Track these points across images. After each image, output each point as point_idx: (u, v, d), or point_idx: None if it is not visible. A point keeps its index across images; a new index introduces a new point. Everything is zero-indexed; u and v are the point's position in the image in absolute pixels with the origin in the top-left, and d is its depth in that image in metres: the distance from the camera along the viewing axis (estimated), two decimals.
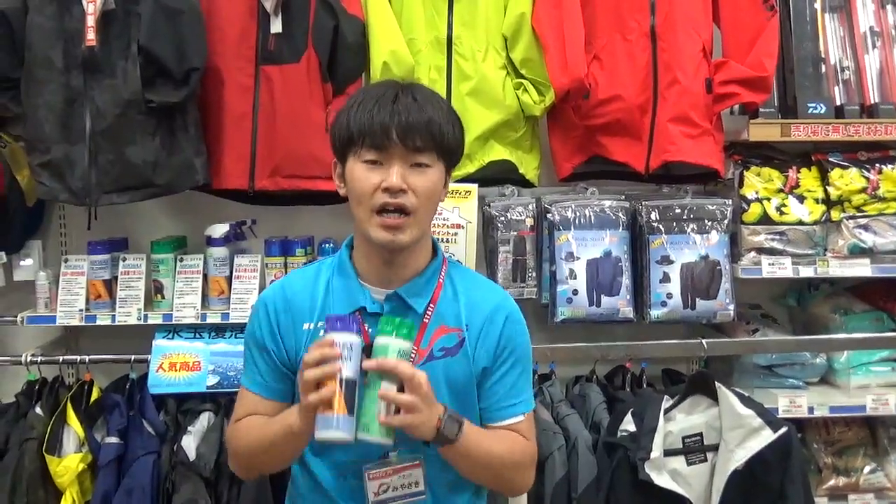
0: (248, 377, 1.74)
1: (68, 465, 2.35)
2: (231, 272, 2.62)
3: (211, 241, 2.63)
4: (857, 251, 2.56)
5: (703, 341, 2.01)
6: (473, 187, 2.52)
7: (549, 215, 2.59)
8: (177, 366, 2.56)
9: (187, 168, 2.47)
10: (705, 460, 2.11)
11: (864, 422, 2.75)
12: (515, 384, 1.69)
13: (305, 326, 1.68)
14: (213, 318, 2.59)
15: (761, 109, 2.64)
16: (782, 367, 2.69)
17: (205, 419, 2.48)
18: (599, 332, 2.69)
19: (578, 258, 2.54)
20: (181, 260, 2.63)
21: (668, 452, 2.08)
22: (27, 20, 2.38)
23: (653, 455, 1.99)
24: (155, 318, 2.58)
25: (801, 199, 2.62)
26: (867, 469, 2.65)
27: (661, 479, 2.00)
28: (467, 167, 2.60)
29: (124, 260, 2.62)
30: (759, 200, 2.61)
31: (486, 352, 1.68)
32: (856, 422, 2.73)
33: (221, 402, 2.53)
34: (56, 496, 2.36)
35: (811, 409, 2.56)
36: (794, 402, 2.56)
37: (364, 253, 1.68)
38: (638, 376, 2.66)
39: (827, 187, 2.62)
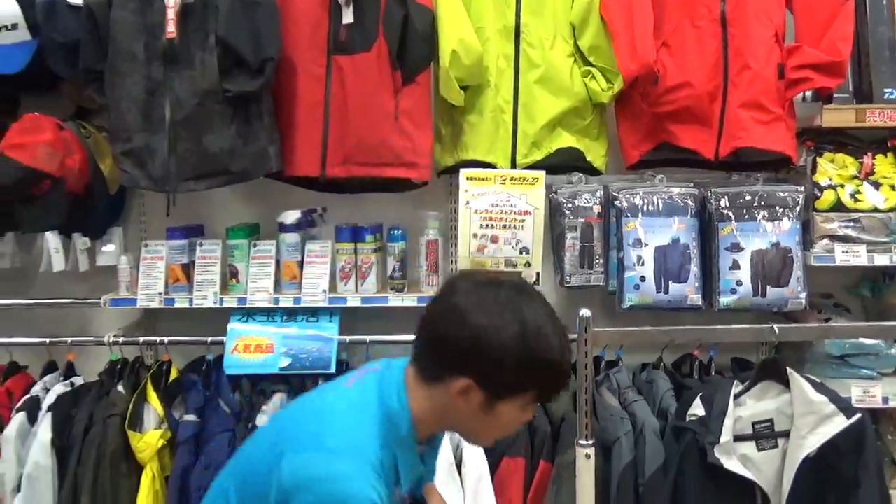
0: None
1: (149, 440, 2.45)
2: (302, 257, 2.69)
3: (283, 227, 2.70)
4: None
5: (775, 326, 1.99)
6: (541, 174, 2.54)
7: (616, 202, 2.59)
8: (251, 348, 2.64)
9: (262, 155, 2.54)
10: (776, 446, 2.09)
11: None
12: None
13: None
14: (286, 302, 2.66)
15: (835, 95, 2.60)
16: (855, 358, 2.63)
17: (277, 399, 2.55)
18: (667, 319, 2.67)
19: (646, 245, 2.53)
20: (255, 245, 2.71)
21: (738, 438, 2.07)
22: (111, 15, 2.47)
23: (722, 439, 1.99)
24: (230, 302, 2.66)
25: (877, 185, 2.57)
26: None
27: (731, 464, 1.99)
28: (535, 154, 2.62)
29: (201, 245, 2.71)
30: (832, 187, 2.57)
31: None
32: None
33: (293, 382, 2.61)
34: (137, 470, 2.46)
35: (885, 400, 2.52)
36: (867, 392, 2.51)
37: (430, 426, 1.60)
38: (706, 364, 2.65)
39: None
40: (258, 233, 2.85)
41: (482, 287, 1.54)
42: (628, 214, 2.55)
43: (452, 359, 1.51)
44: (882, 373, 2.67)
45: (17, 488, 2.45)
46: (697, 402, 2.12)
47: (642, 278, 2.52)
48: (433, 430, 1.63)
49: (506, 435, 1.63)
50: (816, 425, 2.02)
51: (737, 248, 2.52)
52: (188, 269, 2.71)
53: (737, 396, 2.09)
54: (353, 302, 2.67)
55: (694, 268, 2.54)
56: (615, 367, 2.63)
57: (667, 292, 2.52)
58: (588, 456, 2.02)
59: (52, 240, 2.74)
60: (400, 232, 2.70)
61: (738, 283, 2.50)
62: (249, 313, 2.71)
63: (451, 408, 1.53)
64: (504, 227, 2.54)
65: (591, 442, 2.03)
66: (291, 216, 2.71)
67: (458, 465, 2.46)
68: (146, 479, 2.43)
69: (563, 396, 2.50)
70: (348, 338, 2.67)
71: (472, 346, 1.48)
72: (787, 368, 2.08)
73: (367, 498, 1.42)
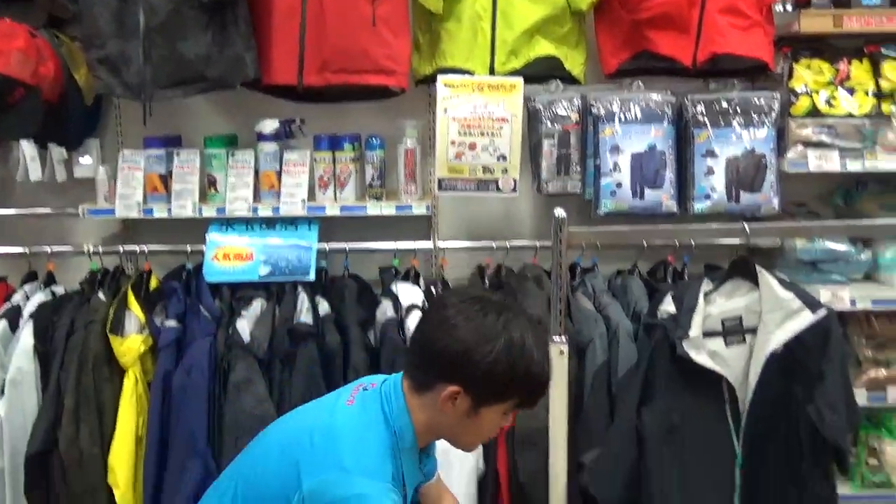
0: None
1: (131, 345, 2.48)
2: (281, 167, 2.69)
3: (261, 137, 2.70)
4: None
5: (746, 225, 2.02)
6: (518, 80, 2.54)
7: (593, 109, 2.60)
8: (230, 256, 2.66)
9: (238, 62, 2.52)
10: (744, 342, 2.14)
11: None
12: None
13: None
14: (265, 212, 2.67)
15: (813, 1, 2.59)
16: (826, 263, 2.69)
17: (257, 305, 2.58)
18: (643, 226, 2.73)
19: (623, 151, 2.55)
20: (233, 155, 2.71)
21: (708, 334, 2.12)
22: None
23: (691, 334, 2.04)
24: (209, 212, 2.68)
25: (852, 91, 2.59)
26: None
27: (700, 358, 2.04)
28: (513, 62, 2.61)
29: (178, 155, 2.70)
30: (808, 93, 2.58)
31: None
32: None
33: (273, 290, 2.64)
34: (120, 375, 2.49)
35: (853, 302, 2.57)
36: (836, 295, 2.57)
37: (428, 435, 1.74)
38: (680, 271, 2.70)
39: (878, 80, 2.58)
40: (236, 144, 2.85)
41: (471, 303, 1.66)
42: (605, 121, 2.56)
43: (443, 368, 1.64)
44: (852, 278, 2.74)
45: (1, 392, 2.49)
46: (668, 299, 2.16)
47: (618, 184, 2.54)
48: (430, 439, 1.78)
49: (488, 438, 1.79)
50: (783, 321, 2.07)
51: (712, 154, 2.54)
52: (166, 179, 2.70)
53: (707, 294, 2.14)
54: (332, 211, 2.68)
55: (669, 174, 2.56)
56: (591, 273, 2.68)
57: (642, 198, 2.55)
58: (561, 352, 2.07)
59: (27, 148, 2.72)
60: (378, 140, 2.71)
61: (713, 188, 2.54)
62: (228, 223, 2.73)
63: (440, 414, 1.67)
64: (482, 134, 2.55)
65: (564, 339, 2.07)
66: (269, 126, 2.70)
67: None
68: (129, 383, 2.47)
69: (538, 300, 2.56)
70: (327, 246, 2.69)
71: (462, 357, 1.61)
72: (757, 266, 2.12)
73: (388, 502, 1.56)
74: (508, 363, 1.61)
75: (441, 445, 2.27)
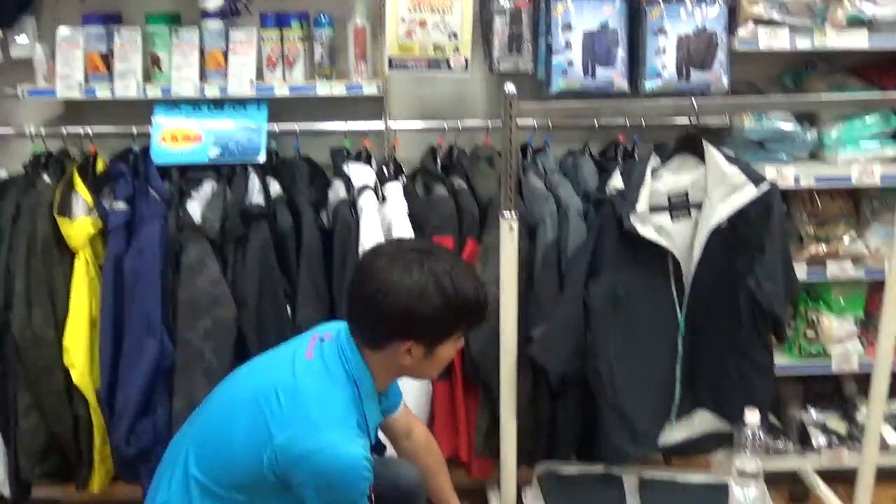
0: None
1: (80, 228, 2.45)
2: (227, 46, 2.62)
3: (205, 14, 2.62)
4: (857, 22, 2.54)
5: (694, 101, 2.03)
6: None
7: None
8: (178, 138, 2.62)
9: None
10: (689, 217, 2.19)
11: (848, 194, 2.82)
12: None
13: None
14: (212, 92, 2.62)
15: None
16: (773, 143, 2.73)
17: (208, 187, 2.56)
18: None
19: (574, 29, 2.52)
20: (176, 33, 2.62)
21: (654, 209, 2.16)
22: None
23: (638, 209, 2.07)
24: (154, 92, 2.61)
25: None
26: (847, 238, 2.74)
27: (645, 231, 2.09)
28: None
29: (119, 32, 2.61)
30: None
31: None
32: (840, 194, 2.80)
33: (224, 172, 2.61)
34: (70, 258, 2.47)
35: (797, 180, 2.62)
36: (781, 173, 2.61)
37: (387, 381, 1.91)
38: (630, 151, 2.73)
39: None
40: (179, 21, 2.75)
41: (392, 261, 1.75)
42: None
43: (390, 331, 1.77)
44: (797, 157, 2.79)
45: None
46: (617, 175, 2.19)
47: (570, 63, 2.53)
48: (387, 383, 1.93)
49: (447, 365, 1.92)
50: (727, 195, 2.12)
51: (663, 32, 2.52)
52: (107, 58, 2.62)
53: (654, 170, 2.17)
54: (281, 91, 2.64)
55: (621, 52, 2.55)
56: (542, 153, 2.69)
57: (594, 77, 2.53)
58: (511, 228, 2.10)
59: None
60: (327, 18, 2.64)
61: (664, 67, 2.53)
62: (175, 104, 2.67)
63: (399, 363, 1.82)
64: (432, 10, 2.50)
65: (514, 215, 2.10)
66: (213, 2, 2.61)
67: None
68: (80, 266, 2.46)
69: (490, 180, 2.57)
70: (277, 127, 2.66)
71: (404, 317, 1.73)
72: (703, 142, 2.14)
73: (358, 457, 1.68)
74: (447, 305, 1.73)
75: None
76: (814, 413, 2.99)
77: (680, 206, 2.18)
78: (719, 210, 2.12)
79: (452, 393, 2.62)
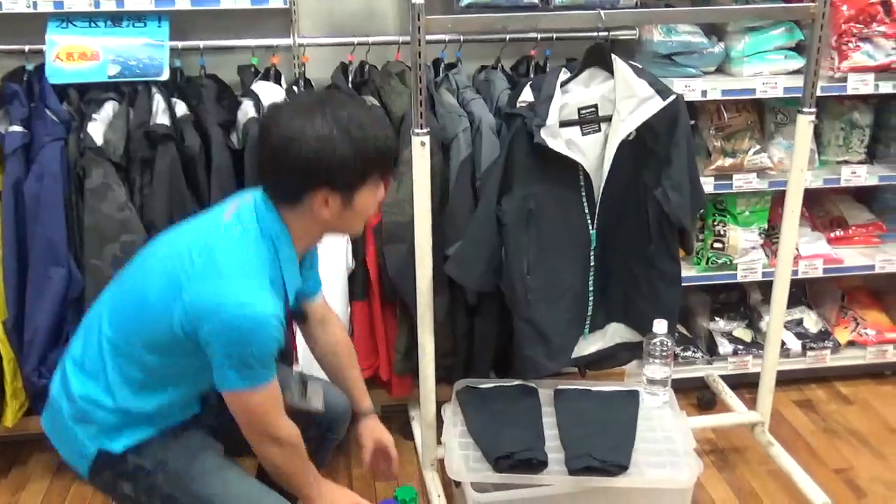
0: (272, 369, 1.73)
1: None
2: None
3: None
4: None
5: (601, 12, 2.02)
6: None
7: None
8: (74, 56, 2.50)
9: None
10: (599, 130, 2.21)
11: (753, 107, 2.88)
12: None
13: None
14: (108, 6, 2.50)
15: None
16: (681, 56, 2.76)
17: (109, 108, 2.46)
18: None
19: None
20: None
21: (564, 123, 2.16)
22: None
23: (548, 122, 2.08)
24: (45, 6, 2.48)
25: None
26: (752, 151, 2.81)
27: (556, 144, 2.10)
28: None
29: None
30: None
31: None
32: (745, 107, 2.86)
33: (126, 91, 2.51)
34: None
35: (704, 93, 2.67)
36: (688, 86, 2.65)
37: (306, 240, 1.83)
38: (542, 65, 2.72)
39: None
40: None
41: (295, 113, 1.69)
42: None
43: (301, 181, 1.70)
44: (706, 71, 2.83)
45: None
46: (527, 89, 2.19)
47: None
48: (309, 243, 1.86)
49: (372, 214, 1.87)
50: (635, 108, 2.14)
51: None
52: None
53: (564, 84, 2.17)
54: (183, 4, 2.53)
55: None
56: (454, 69, 2.66)
57: None
58: (423, 144, 2.08)
59: None
60: None
61: None
62: (69, 19, 2.54)
63: (319, 218, 1.74)
64: None
65: (425, 131, 2.08)
66: None
67: None
68: None
69: (402, 96, 2.54)
70: (180, 44, 2.56)
71: (314, 166, 1.67)
72: (612, 55, 2.15)
73: (266, 311, 1.65)
74: (354, 149, 1.67)
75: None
76: (721, 323, 3.11)
77: (590, 119, 2.19)
78: (627, 122, 2.14)
79: (371, 312, 2.63)
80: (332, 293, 2.55)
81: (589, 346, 2.47)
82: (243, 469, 1.88)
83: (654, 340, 2.30)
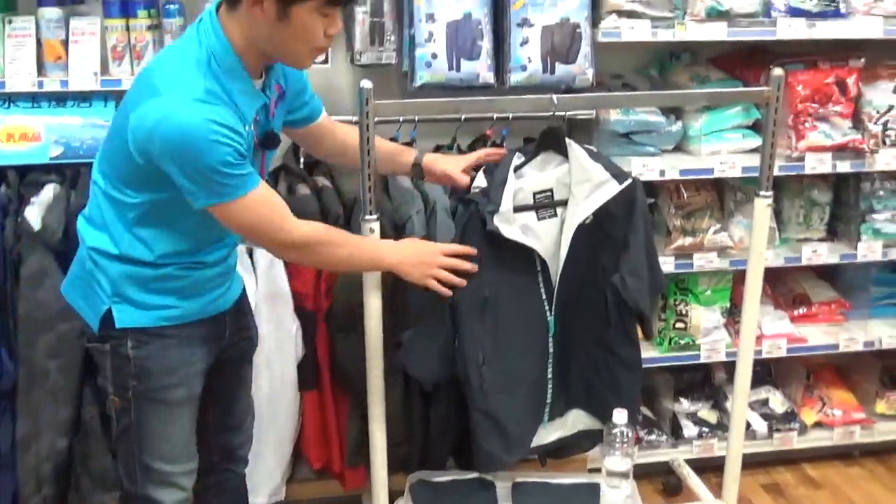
0: (247, 181, 1.71)
1: None
2: (67, 36, 2.43)
3: (42, 2, 2.42)
4: (715, 14, 2.56)
5: (554, 96, 1.99)
6: None
7: None
8: (15, 137, 2.41)
9: None
10: (555, 215, 2.15)
11: (712, 186, 2.85)
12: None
13: (246, 129, 1.74)
14: (52, 86, 2.42)
15: None
16: (639, 135, 2.73)
17: (49, 190, 2.37)
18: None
19: (437, 20, 2.45)
20: (10, 22, 2.42)
21: (520, 209, 2.10)
22: None
23: (502, 208, 2.01)
24: None
25: None
26: (712, 230, 2.77)
27: (509, 231, 2.03)
28: None
29: None
30: None
31: None
32: (705, 186, 2.83)
33: (67, 173, 2.43)
34: None
35: (662, 173, 2.64)
36: (646, 167, 2.62)
37: (252, 54, 1.73)
38: (499, 144, 2.68)
39: None
40: (14, 8, 2.54)
41: None
42: None
43: None
44: (664, 149, 2.80)
45: None
46: (480, 175, 2.13)
47: (434, 55, 2.45)
48: (256, 58, 1.74)
49: (316, 48, 1.74)
50: (591, 192, 2.08)
51: (527, 23, 2.48)
52: None
53: (519, 168, 2.11)
54: (129, 85, 2.44)
55: (486, 44, 2.49)
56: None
57: (458, 70, 2.47)
58: (372, 230, 2.01)
59: None
60: (177, 6, 2.48)
61: (529, 59, 2.49)
62: (10, 99, 2.46)
63: (254, 25, 1.66)
64: None
65: (375, 217, 2.01)
66: None
67: (250, 253, 2.43)
68: None
69: (354, 177, 2.47)
70: None
71: None
72: (566, 138, 2.10)
73: (198, 118, 1.60)
74: None
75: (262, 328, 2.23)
76: (685, 403, 3.03)
77: (546, 204, 2.13)
78: (583, 207, 2.09)
79: (322, 402, 2.53)
80: (281, 382, 2.46)
81: (549, 434, 2.37)
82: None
83: (614, 431, 2.20)
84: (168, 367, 1.85)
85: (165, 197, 1.73)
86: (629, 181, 2.09)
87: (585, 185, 2.10)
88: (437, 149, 2.69)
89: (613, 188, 2.08)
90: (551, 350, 2.24)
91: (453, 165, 2.13)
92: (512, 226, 2.06)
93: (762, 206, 2.25)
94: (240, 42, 1.69)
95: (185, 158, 1.62)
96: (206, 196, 1.68)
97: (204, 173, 1.64)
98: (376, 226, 2.03)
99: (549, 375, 2.27)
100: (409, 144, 2.63)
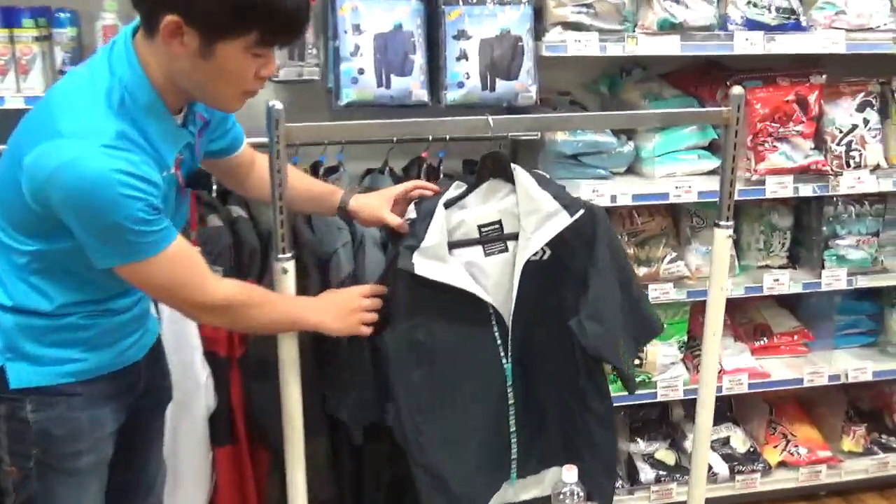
0: (161, 238, 1.47)
1: None
2: None
3: None
4: (668, 27, 2.36)
5: (490, 118, 1.74)
6: None
7: None
8: None
9: None
10: (506, 250, 1.90)
11: (667, 211, 2.65)
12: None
13: (165, 175, 1.51)
14: None
15: None
16: (588, 157, 2.52)
17: None
18: (393, 118, 2.45)
19: (364, 31, 2.21)
20: None
21: (462, 243, 1.86)
22: None
23: (425, 243, 1.76)
24: None
25: None
26: (667, 259, 2.57)
27: (429, 268, 1.76)
28: None
29: None
30: None
31: None
32: (659, 211, 2.63)
33: None
34: None
35: (614, 198, 2.42)
36: (597, 192, 2.41)
37: (173, 89, 1.49)
38: (436, 168, 2.45)
39: None
40: None
41: None
42: None
43: None
44: (615, 171, 2.60)
45: None
46: (412, 207, 1.88)
47: (361, 71, 2.21)
48: (176, 95, 1.51)
49: (244, 90, 1.51)
50: (540, 224, 1.84)
51: (464, 35, 2.25)
52: None
53: (460, 198, 1.87)
54: (14, 103, 2.19)
55: (419, 59, 2.26)
56: (335, 174, 2.36)
57: (389, 87, 2.24)
58: (285, 271, 1.74)
59: None
60: (68, 16, 2.20)
61: (466, 75, 2.26)
62: None
63: (173, 57, 1.43)
64: None
65: (288, 255, 1.74)
66: None
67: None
68: None
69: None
70: None
71: None
72: (511, 164, 1.86)
73: (105, 168, 1.36)
74: None
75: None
76: (641, 444, 2.82)
77: (493, 238, 1.88)
78: (533, 241, 1.84)
79: (238, 459, 2.25)
80: (190, 438, 2.18)
81: (520, 492, 2.09)
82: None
83: (564, 490, 1.95)
84: (75, 431, 1.60)
85: (66, 246, 1.49)
86: (580, 212, 1.84)
87: (534, 216, 1.85)
88: (368, 173, 2.45)
89: (563, 220, 1.83)
90: (512, 401, 1.97)
91: (383, 207, 1.88)
92: (445, 263, 1.81)
93: (722, 237, 2.01)
94: (158, 73, 1.46)
95: (88, 214, 1.39)
96: (112, 256, 1.45)
97: (110, 231, 1.41)
98: (291, 265, 1.75)
99: (513, 428, 2.00)
100: (335, 169, 2.39)
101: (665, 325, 2.63)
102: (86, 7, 2.25)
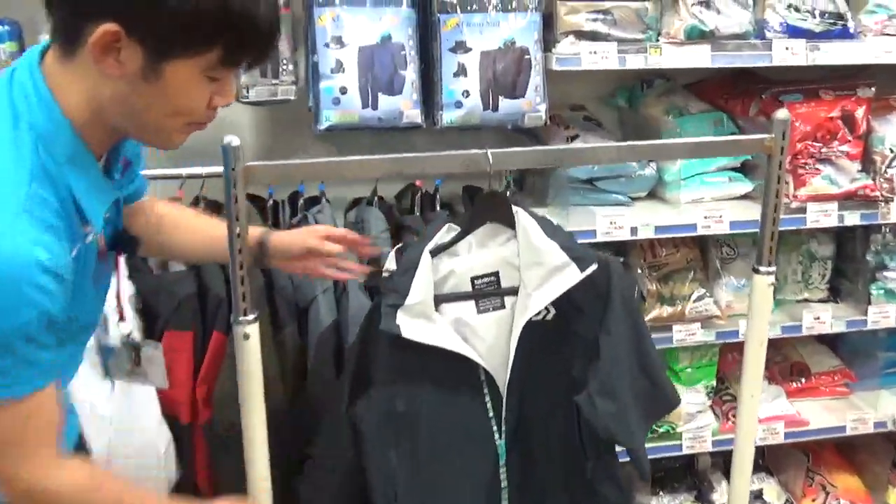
0: (36, 377, 1.12)
1: None
2: None
3: None
4: (697, 35, 2.06)
5: (489, 152, 1.45)
6: None
7: None
8: None
9: None
10: (503, 307, 1.61)
11: (693, 241, 2.36)
12: None
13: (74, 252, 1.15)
14: None
15: None
16: (605, 181, 2.24)
17: None
18: (383, 144, 2.17)
19: (347, 45, 1.92)
20: None
21: (450, 298, 1.58)
22: None
23: (409, 300, 1.48)
24: None
25: None
26: (694, 296, 2.27)
27: (415, 330, 1.48)
28: None
29: None
30: None
31: None
32: (685, 242, 2.34)
33: None
34: None
35: (634, 230, 2.13)
36: (614, 223, 2.12)
37: (99, 128, 1.17)
38: (432, 196, 2.17)
39: None
40: None
41: None
42: (322, 3, 1.91)
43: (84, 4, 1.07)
44: (635, 197, 2.31)
45: None
46: (391, 255, 1.60)
47: (343, 90, 1.93)
48: (107, 135, 1.20)
49: (194, 122, 1.21)
50: (544, 280, 1.55)
51: (463, 47, 1.96)
52: None
53: (451, 244, 1.58)
54: None
55: (411, 75, 1.98)
56: (316, 206, 2.08)
57: (376, 108, 1.96)
58: (247, 336, 1.46)
59: None
60: (8, 28, 1.94)
61: (465, 93, 1.98)
62: None
63: (105, 82, 1.11)
64: None
65: (251, 317, 1.46)
66: None
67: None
68: None
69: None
70: None
71: None
72: (514, 206, 1.58)
73: (24, 252, 1.04)
74: None
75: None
76: (664, 498, 2.53)
77: (488, 293, 1.59)
78: (534, 299, 1.55)
79: None
80: None
81: None
82: None
83: None
84: None
85: None
86: (593, 267, 1.55)
87: (537, 269, 1.56)
88: (355, 203, 2.17)
89: (572, 276, 1.54)
90: (504, 484, 1.68)
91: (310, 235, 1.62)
92: (432, 322, 1.53)
93: (763, 285, 1.70)
94: (80, 111, 1.14)
95: None
96: None
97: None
98: (254, 329, 1.47)
99: None
100: (317, 200, 2.11)
101: (691, 370, 2.37)
102: (28, 19, 1.97)
